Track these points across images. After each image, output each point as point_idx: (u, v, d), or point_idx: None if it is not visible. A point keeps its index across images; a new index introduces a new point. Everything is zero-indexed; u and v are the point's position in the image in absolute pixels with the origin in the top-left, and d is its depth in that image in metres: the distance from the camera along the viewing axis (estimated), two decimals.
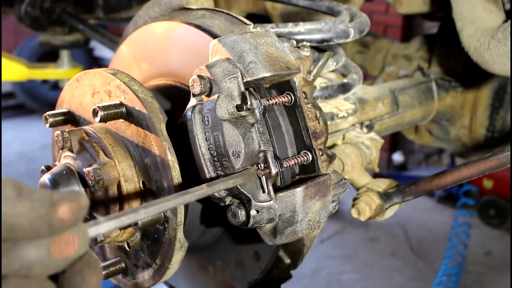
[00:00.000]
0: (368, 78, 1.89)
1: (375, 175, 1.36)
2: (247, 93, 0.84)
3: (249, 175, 0.82)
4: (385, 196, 1.23)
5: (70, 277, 0.56)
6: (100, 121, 0.89)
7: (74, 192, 0.56)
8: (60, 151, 0.98)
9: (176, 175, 0.87)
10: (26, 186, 0.53)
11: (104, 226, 0.59)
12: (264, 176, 0.83)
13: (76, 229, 0.54)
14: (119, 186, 0.93)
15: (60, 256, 0.53)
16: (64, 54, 3.03)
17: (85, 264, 0.57)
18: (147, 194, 0.93)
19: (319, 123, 0.93)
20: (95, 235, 0.58)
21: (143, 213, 0.64)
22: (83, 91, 1.01)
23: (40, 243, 0.52)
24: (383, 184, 1.26)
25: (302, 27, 1.13)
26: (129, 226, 0.93)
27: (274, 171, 0.83)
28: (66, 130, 0.95)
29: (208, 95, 0.84)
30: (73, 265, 0.56)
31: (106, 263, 1.00)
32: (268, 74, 0.85)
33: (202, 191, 0.74)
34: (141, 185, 0.93)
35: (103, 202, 0.93)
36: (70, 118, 1.04)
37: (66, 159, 0.96)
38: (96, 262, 0.58)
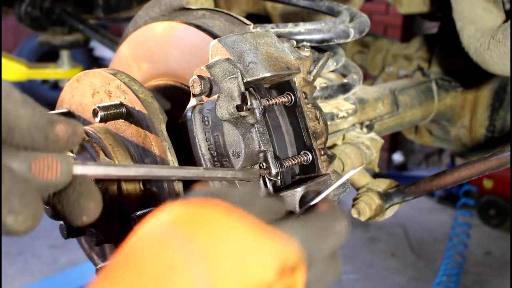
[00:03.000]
0: (368, 78, 1.89)
1: (375, 175, 1.36)
2: (247, 93, 0.84)
3: (250, 173, 0.82)
4: (385, 196, 1.23)
5: (69, 210, 0.60)
6: (100, 121, 0.89)
7: (73, 120, 0.58)
8: None
9: None
10: (31, 100, 0.57)
11: (92, 169, 0.62)
12: (265, 176, 0.83)
13: (62, 157, 0.57)
14: (119, 186, 0.93)
15: (39, 176, 0.55)
16: (64, 54, 3.03)
17: (79, 194, 0.60)
18: (147, 194, 0.93)
19: (319, 123, 0.93)
20: (81, 173, 0.60)
21: (133, 170, 0.67)
22: (83, 91, 1.01)
23: (24, 156, 0.54)
24: (383, 184, 1.27)
25: (302, 27, 1.13)
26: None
27: (274, 171, 0.83)
28: None
29: (208, 95, 0.85)
30: (68, 198, 0.60)
31: (106, 263, 1.00)
32: (268, 74, 0.85)
33: (198, 171, 0.75)
34: (141, 185, 0.93)
35: (103, 202, 0.93)
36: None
37: None
38: (92, 189, 0.61)
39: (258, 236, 0.54)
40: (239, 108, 0.83)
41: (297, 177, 0.91)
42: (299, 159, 0.89)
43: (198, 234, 0.53)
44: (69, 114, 1.04)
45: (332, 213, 0.65)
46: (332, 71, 1.29)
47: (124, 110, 0.91)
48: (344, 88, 1.23)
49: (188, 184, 0.87)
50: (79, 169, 0.59)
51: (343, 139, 1.34)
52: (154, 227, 0.55)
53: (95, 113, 0.89)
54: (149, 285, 0.50)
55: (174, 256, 0.51)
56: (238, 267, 0.53)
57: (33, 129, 0.55)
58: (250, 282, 0.53)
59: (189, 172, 0.74)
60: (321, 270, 0.61)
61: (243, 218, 0.55)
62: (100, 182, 0.90)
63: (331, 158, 0.93)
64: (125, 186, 0.93)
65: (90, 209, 0.61)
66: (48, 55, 5.21)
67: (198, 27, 1.04)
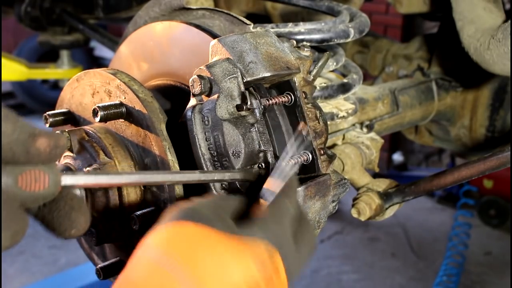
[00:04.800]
0: (368, 78, 1.89)
1: (375, 175, 1.36)
2: (247, 93, 0.84)
3: (248, 174, 0.82)
4: (385, 196, 1.23)
5: (59, 222, 0.62)
6: (100, 121, 0.89)
7: (56, 132, 0.59)
8: None
9: None
10: (13, 114, 0.57)
11: (82, 179, 0.62)
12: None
13: (49, 169, 0.57)
14: (119, 187, 0.93)
15: (27, 189, 0.56)
16: (64, 54, 3.03)
17: (71, 208, 0.62)
18: (147, 194, 0.93)
19: (319, 123, 0.93)
20: (70, 184, 0.60)
21: (125, 178, 0.68)
22: (83, 91, 1.01)
23: (10, 170, 0.55)
24: (383, 184, 1.26)
25: (302, 27, 1.13)
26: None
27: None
28: (66, 130, 0.95)
29: (208, 95, 0.84)
30: (59, 211, 0.62)
31: (106, 263, 1.00)
32: (268, 74, 0.85)
33: (194, 175, 0.75)
34: (141, 185, 0.93)
35: (103, 202, 0.93)
36: (70, 118, 1.04)
37: (66, 159, 0.96)
38: (83, 204, 0.64)
39: (231, 248, 0.61)
40: (239, 107, 0.83)
41: (297, 176, 0.91)
42: (299, 159, 0.89)
43: (182, 256, 0.59)
44: (69, 114, 1.04)
45: (279, 199, 0.71)
46: (332, 71, 1.29)
47: (124, 109, 0.91)
48: (344, 88, 1.23)
49: (189, 184, 0.87)
50: (68, 180, 0.60)
51: (343, 139, 1.34)
52: (145, 251, 0.60)
53: (95, 113, 0.89)
54: None
55: (162, 279, 0.57)
56: (219, 273, 0.59)
57: (14, 144, 0.55)
58: (235, 283, 0.59)
59: (184, 176, 0.75)
60: (292, 251, 0.68)
61: (215, 235, 0.62)
62: None
63: (331, 158, 0.93)
64: (125, 186, 0.93)
65: (80, 223, 0.63)
66: (48, 55, 5.21)
67: (198, 27, 1.04)
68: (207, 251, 0.60)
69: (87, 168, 0.91)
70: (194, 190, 0.88)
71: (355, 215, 1.23)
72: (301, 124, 0.81)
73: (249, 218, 0.68)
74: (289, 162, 0.74)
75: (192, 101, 0.86)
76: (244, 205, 0.73)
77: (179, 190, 0.88)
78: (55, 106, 1.09)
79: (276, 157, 0.85)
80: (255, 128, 0.84)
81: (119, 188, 0.93)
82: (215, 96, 0.83)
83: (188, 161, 0.87)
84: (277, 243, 0.66)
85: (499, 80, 1.84)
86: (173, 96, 1.04)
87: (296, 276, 0.70)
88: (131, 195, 0.93)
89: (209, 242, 0.61)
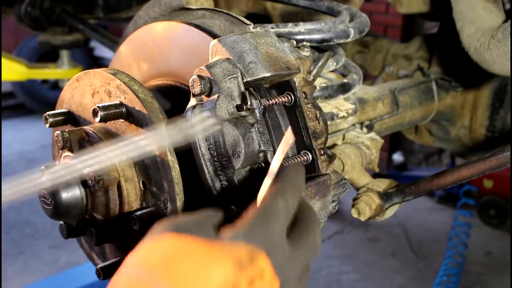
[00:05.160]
0: (368, 78, 1.89)
1: (375, 175, 1.36)
2: (247, 93, 0.84)
3: (153, 139, 0.83)
4: (385, 196, 1.23)
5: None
6: (100, 121, 0.89)
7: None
8: (60, 151, 0.98)
9: (176, 175, 0.87)
10: None
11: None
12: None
13: None
14: (119, 186, 0.93)
15: None
16: (64, 54, 3.03)
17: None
18: (147, 194, 0.93)
19: (319, 123, 0.93)
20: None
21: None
22: (83, 91, 1.01)
23: None
24: (383, 184, 1.26)
25: (302, 27, 1.13)
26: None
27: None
28: (66, 130, 0.95)
29: (208, 95, 0.84)
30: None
31: (106, 263, 1.00)
32: (268, 74, 0.85)
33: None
34: (141, 185, 0.93)
35: (103, 201, 0.93)
36: (70, 118, 1.04)
37: (66, 159, 0.96)
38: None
39: (208, 252, 0.61)
40: (239, 108, 0.83)
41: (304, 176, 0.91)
42: (299, 159, 0.89)
43: (160, 267, 0.59)
44: (69, 114, 1.04)
45: (268, 199, 0.69)
46: (332, 71, 1.29)
47: (124, 110, 0.91)
48: (344, 88, 1.23)
49: (191, 181, 0.87)
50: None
51: (343, 139, 1.34)
52: (125, 268, 0.62)
53: (95, 113, 0.89)
54: None
55: None
56: (198, 278, 0.59)
57: None
58: (214, 286, 0.59)
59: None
60: (281, 253, 0.66)
61: (193, 243, 0.62)
62: (100, 181, 0.90)
63: (331, 158, 0.93)
64: (125, 186, 0.93)
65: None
66: (48, 55, 5.21)
67: (198, 27, 1.04)
68: (184, 258, 0.60)
69: (87, 168, 0.91)
70: (194, 189, 0.88)
71: (355, 215, 1.23)
72: (288, 130, 0.80)
73: (236, 223, 0.67)
74: (278, 162, 0.73)
75: (192, 101, 0.86)
76: (232, 215, 0.72)
77: (178, 190, 0.88)
78: (55, 106, 1.09)
79: None
80: (255, 128, 0.84)
81: (119, 188, 0.93)
82: (215, 96, 0.83)
83: (188, 161, 0.87)
84: (263, 245, 0.64)
85: (499, 80, 1.84)
86: (173, 96, 1.04)
87: (295, 278, 0.68)
88: (131, 195, 0.93)
89: (187, 250, 0.61)
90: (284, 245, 0.68)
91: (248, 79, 0.84)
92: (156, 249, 0.61)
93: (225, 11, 1.05)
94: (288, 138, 0.74)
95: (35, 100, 6.86)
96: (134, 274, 0.59)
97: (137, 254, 0.62)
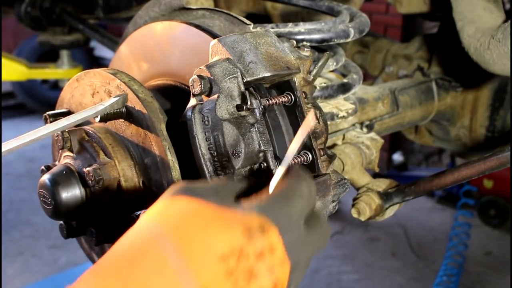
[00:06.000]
0: (368, 78, 1.89)
1: (375, 175, 1.36)
2: (247, 93, 0.84)
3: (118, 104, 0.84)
4: (385, 196, 1.23)
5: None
6: (100, 121, 0.89)
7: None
8: (60, 151, 0.98)
9: (176, 175, 0.87)
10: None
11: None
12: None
13: None
14: (119, 185, 0.93)
15: None
16: (64, 54, 3.03)
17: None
18: (147, 194, 0.93)
19: (319, 123, 0.93)
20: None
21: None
22: (83, 91, 1.01)
23: None
24: (383, 184, 1.26)
25: (302, 27, 1.13)
26: None
27: (274, 171, 0.83)
28: (66, 130, 0.95)
29: (208, 95, 0.84)
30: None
31: None
32: (268, 74, 0.85)
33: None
34: (141, 185, 0.93)
35: (102, 201, 0.93)
36: None
37: (66, 159, 0.96)
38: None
39: (218, 216, 0.61)
40: (239, 108, 0.83)
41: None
42: (299, 159, 0.89)
43: (169, 225, 0.59)
44: (69, 114, 1.04)
45: (293, 181, 0.69)
46: (332, 71, 1.29)
47: (124, 110, 0.91)
48: (344, 88, 1.23)
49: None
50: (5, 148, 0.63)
51: (343, 139, 1.34)
52: (137, 223, 0.62)
53: None
54: (124, 267, 0.57)
55: (146, 242, 0.58)
56: (205, 240, 0.58)
57: None
58: (220, 250, 0.58)
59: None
60: (296, 234, 0.65)
61: (205, 207, 0.62)
62: (100, 181, 0.90)
63: (331, 158, 0.93)
64: (125, 185, 0.93)
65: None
66: (48, 55, 5.21)
67: (198, 27, 1.04)
68: (193, 220, 0.60)
69: (87, 168, 0.91)
70: None
71: (355, 215, 1.23)
72: (311, 113, 0.78)
73: (253, 197, 0.66)
74: (296, 146, 0.72)
75: (192, 101, 0.86)
76: (248, 187, 0.72)
77: None
78: (55, 106, 1.09)
79: (276, 157, 0.85)
80: (255, 128, 0.84)
81: (119, 187, 0.93)
82: (215, 96, 0.83)
83: (188, 161, 0.87)
84: (278, 221, 0.63)
85: (499, 80, 1.84)
86: (173, 96, 1.04)
87: (306, 262, 0.67)
88: (131, 194, 0.93)
89: (197, 212, 0.61)
90: (300, 227, 0.67)
91: (248, 79, 0.84)
92: (168, 209, 0.61)
93: (225, 11, 1.05)
94: (310, 120, 0.73)
95: (35, 100, 6.85)
96: (143, 230, 0.60)
97: (150, 211, 0.62)
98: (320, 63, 1.03)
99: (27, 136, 0.70)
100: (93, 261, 1.09)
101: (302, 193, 0.68)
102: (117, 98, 0.77)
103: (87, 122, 1.01)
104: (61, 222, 0.99)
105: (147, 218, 0.61)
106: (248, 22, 1.02)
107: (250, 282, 0.60)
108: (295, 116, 0.90)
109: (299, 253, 0.66)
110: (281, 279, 0.63)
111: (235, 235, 0.60)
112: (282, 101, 0.89)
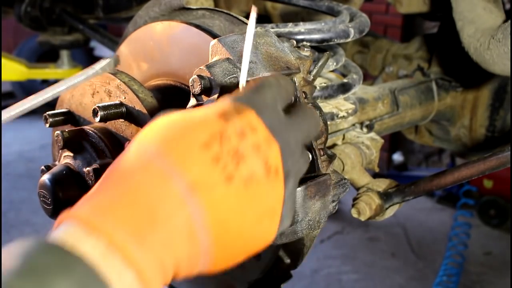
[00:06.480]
0: (368, 78, 1.89)
1: (375, 175, 1.36)
2: None
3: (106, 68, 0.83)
4: (385, 196, 1.23)
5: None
6: (100, 121, 0.89)
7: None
8: (60, 151, 0.98)
9: None
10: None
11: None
12: None
13: None
14: None
15: None
16: (64, 54, 3.03)
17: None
18: None
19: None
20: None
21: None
22: (83, 91, 1.01)
23: None
24: (383, 184, 1.26)
25: (302, 27, 1.13)
26: None
27: None
28: (66, 130, 0.95)
29: (208, 95, 0.84)
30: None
31: None
32: (268, 74, 0.85)
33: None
34: None
35: None
36: (70, 118, 1.04)
37: (66, 159, 0.96)
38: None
39: (190, 114, 0.61)
40: None
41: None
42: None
43: (145, 136, 0.60)
44: (69, 114, 1.04)
45: (258, 78, 0.69)
46: (332, 71, 1.29)
47: (124, 109, 0.91)
48: (344, 88, 1.23)
49: None
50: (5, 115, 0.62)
51: (343, 139, 1.34)
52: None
53: (95, 113, 0.89)
54: (114, 183, 0.57)
55: (128, 157, 0.59)
56: (183, 136, 0.58)
57: None
58: (200, 140, 0.57)
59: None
60: (276, 116, 0.64)
61: (177, 113, 0.62)
62: None
63: (331, 158, 0.93)
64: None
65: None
66: (48, 55, 5.21)
67: (198, 27, 1.04)
68: (171, 124, 0.60)
69: (87, 168, 0.91)
70: None
71: (355, 215, 1.23)
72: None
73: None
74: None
75: (192, 101, 0.86)
76: None
77: None
78: (55, 106, 1.09)
79: None
80: None
81: None
82: (215, 96, 0.83)
83: None
84: (252, 104, 0.62)
85: (499, 80, 1.84)
86: (173, 96, 1.04)
87: (296, 145, 0.65)
88: None
89: (172, 119, 0.61)
90: (278, 110, 0.65)
91: (248, 79, 0.84)
92: (143, 132, 0.61)
93: (225, 11, 1.05)
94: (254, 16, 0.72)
95: None
96: (125, 151, 0.60)
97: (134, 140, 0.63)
98: (320, 63, 1.03)
99: (27, 101, 0.70)
100: None
101: (270, 83, 0.66)
102: (109, 60, 0.76)
103: (87, 122, 1.01)
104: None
105: (132, 144, 0.61)
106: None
107: (239, 164, 0.58)
108: None
109: (285, 135, 0.63)
110: (272, 159, 0.60)
111: (211, 121, 0.59)
112: None
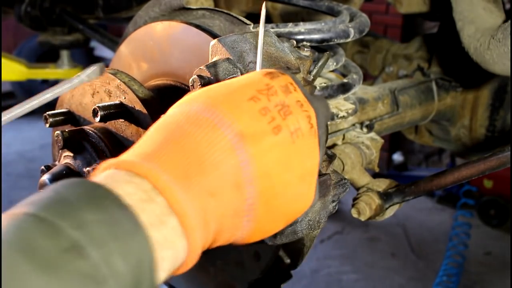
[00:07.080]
0: (368, 78, 1.89)
1: (375, 175, 1.36)
2: None
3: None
4: (385, 196, 1.23)
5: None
6: (100, 121, 0.89)
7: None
8: (60, 151, 0.98)
9: None
10: None
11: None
12: None
13: None
14: None
15: None
16: (64, 54, 3.03)
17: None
18: None
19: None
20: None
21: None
22: (83, 91, 1.01)
23: None
24: (383, 184, 1.26)
25: (302, 27, 1.13)
26: None
27: None
28: (66, 130, 0.95)
29: None
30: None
31: None
32: None
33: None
34: None
35: None
36: (70, 118, 1.04)
37: (66, 159, 0.96)
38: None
39: (237, 78, 0.65)
40: None
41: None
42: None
43: (188, 98, 0.62)
44: (69, 114, 1.04)
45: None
46: (332, 71, 1.29)
47: (124, 109, 0.91)
48: (344, 88, 1.23)
49: None
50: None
51: (343, 139, 1.34)
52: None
53: (95, 113, 0.89)
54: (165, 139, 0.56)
55: (175, 112, 0.60)
56: (232, 91, 0.60)
57: None
58: (248, 93, 0.59)
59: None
60: (313, 99, 0.66)
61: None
62: None
63: (331, 158, 0.93)
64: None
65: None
66: (48, 55, 5.21)
67: (198, 27, 1.04)
68: (218, 85, 0.63)
69: (87, 168, 0.91)
70: None
71: (355, 215, 1.23)
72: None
73: None
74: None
75: None
76: None
77: None
78: (55, 106, 1.09)
79: None
80: None
81: None
82: None
83: None
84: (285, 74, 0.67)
85: (499, 80, 1.84)
86: (173, 96, 1.04)
87: (324, 116, 0.68)
88: None
89: (218, 84, 0.63)
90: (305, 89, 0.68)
91: None
92: (186, 96, 0.63)
93: (225, 11, 1.05)
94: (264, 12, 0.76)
95: None
96: (170, 109, 0.61)
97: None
98: (320, 63, 1.03)
99: (24, 103, 0.70)
100: None
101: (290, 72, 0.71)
102: (94, 68, 0.76)
103: (87, 122, 1.01)
104: None
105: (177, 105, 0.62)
106: (248, 22, 1.02)
107: (287, 117, 0.60)
108: None
109: (315, 104, 0.65)
110: (312, 117, 0.62)
111: (257, 78, 0.62)
112: None
